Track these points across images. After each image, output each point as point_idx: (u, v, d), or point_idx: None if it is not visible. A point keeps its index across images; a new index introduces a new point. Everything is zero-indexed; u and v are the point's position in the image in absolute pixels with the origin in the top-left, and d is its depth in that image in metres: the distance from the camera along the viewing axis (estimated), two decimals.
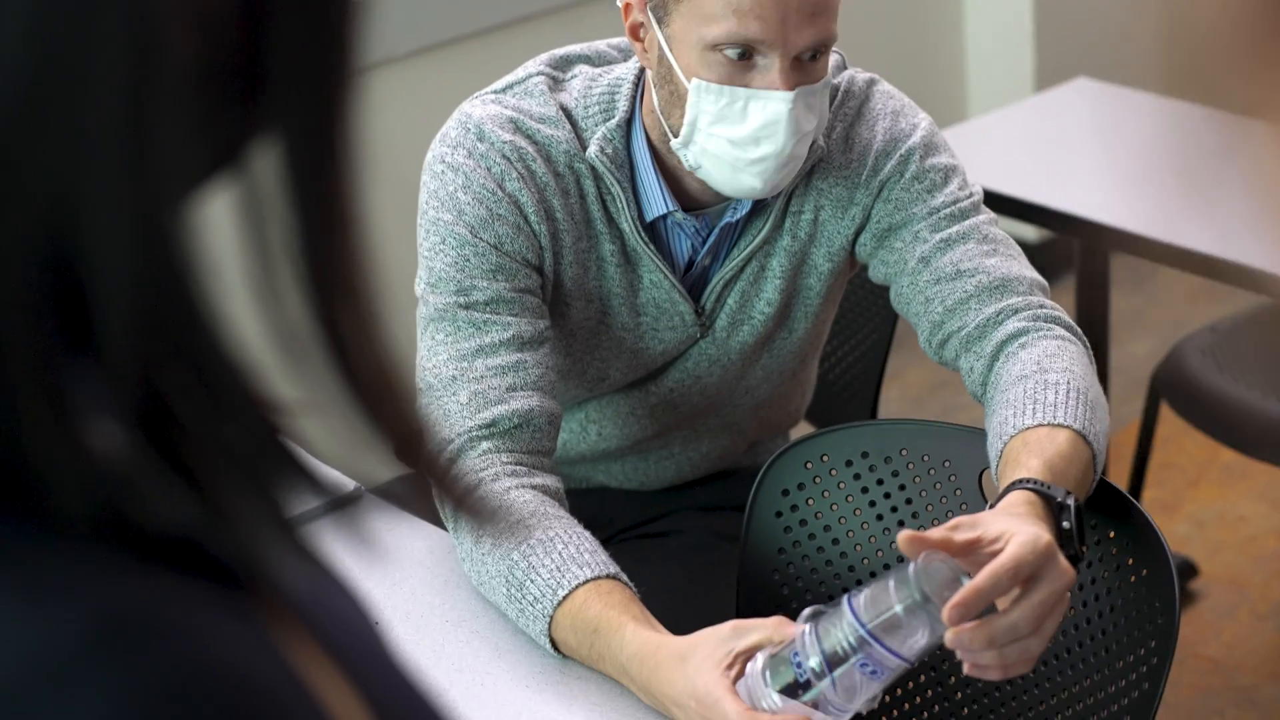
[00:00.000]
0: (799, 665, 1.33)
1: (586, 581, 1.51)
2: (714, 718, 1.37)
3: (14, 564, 0.47)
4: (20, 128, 0.45)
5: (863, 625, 1.31)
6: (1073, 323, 1.70)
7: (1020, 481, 1.46)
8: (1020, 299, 1.69)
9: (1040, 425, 1.53)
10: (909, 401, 3.51)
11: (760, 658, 1.37)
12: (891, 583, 1.32)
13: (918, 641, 1.32)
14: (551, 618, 1.52)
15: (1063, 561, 1.36)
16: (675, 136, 1.68)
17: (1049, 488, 1.45)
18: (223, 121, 0.49)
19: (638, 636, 1.46)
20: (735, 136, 1.63)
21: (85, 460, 0.47)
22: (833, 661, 1.32)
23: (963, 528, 1.36)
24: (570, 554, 1.53)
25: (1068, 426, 1.53)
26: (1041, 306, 1.69)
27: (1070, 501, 1.45)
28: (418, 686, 0.58)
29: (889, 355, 2.34)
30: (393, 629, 1.61)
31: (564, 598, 1.51)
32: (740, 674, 1.38)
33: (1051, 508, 1.44)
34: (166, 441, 0.48)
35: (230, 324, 0.48)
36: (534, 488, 1.61)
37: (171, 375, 0.47)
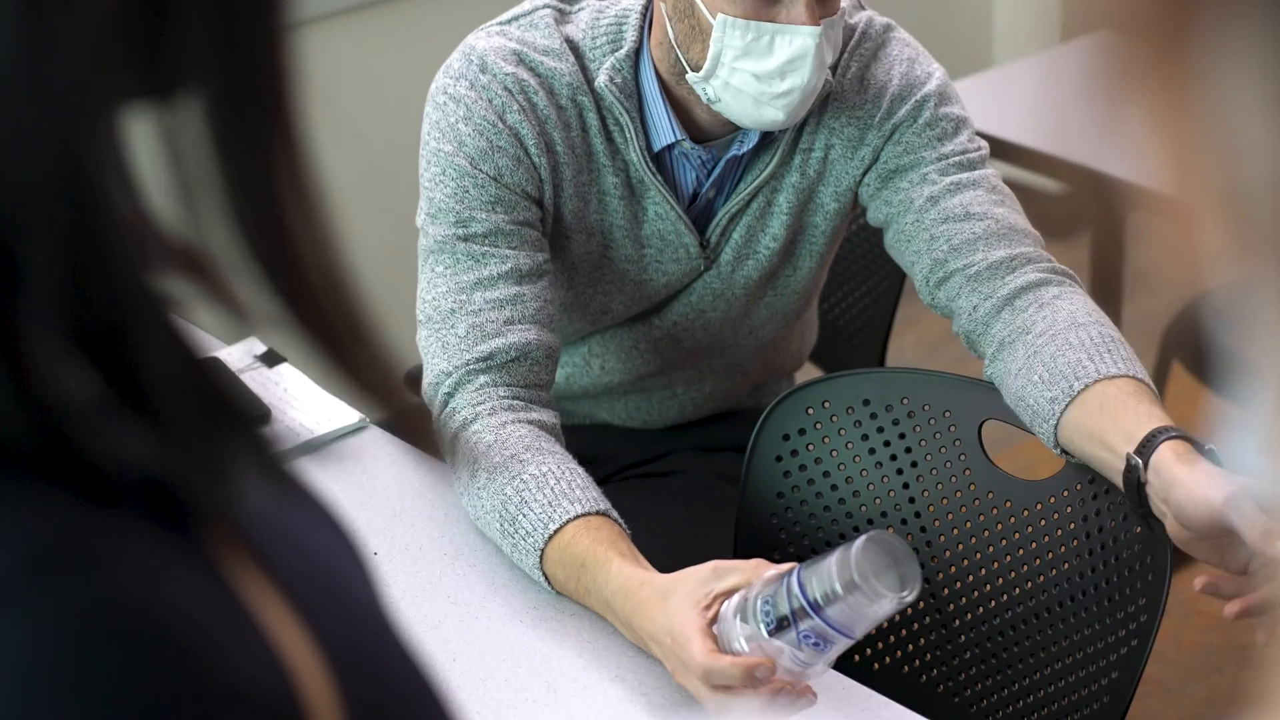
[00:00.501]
0: (767, 614, 1.34)
1: (577, 517, 1.52)
2: (683, 656, 1.38)
3: None
4: None
5: (805, 597, 1.31)
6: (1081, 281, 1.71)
7: (1172, 433, 1.46)
8: (1032, 249, 1.69)
9: (1122, 376, 1.54)
10: (924, 349, 3.50)
11: (734, 600, 1.37)
12: (834, 559, 1.31)
13: (860, 616, 1.31)
14: (542, 552, 1.53)
15: None
16: (694, 70, 1.68)
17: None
18: (137, 36, 0.47)
19: (622, 572, 1.47)
20: (760, 71, 1.63)
21: (29, 392, 0.46)
22: (799, 615, 1.32)
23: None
24: (562, 489, 1.54)
25: (1145, 383, 1.54)
26: (1052, 261, 1.69)
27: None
28: (388, 627, 0.57)
29: (902, 301, 2.33)
30: (391, 560, 1.62)
31: (554, 532, 1.52)
32: (718, 615, 1.39)
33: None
34: (114, 371, 0.48)
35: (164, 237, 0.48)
36: (530, 422, 1.62)
37: (103, 296, 0.47)
